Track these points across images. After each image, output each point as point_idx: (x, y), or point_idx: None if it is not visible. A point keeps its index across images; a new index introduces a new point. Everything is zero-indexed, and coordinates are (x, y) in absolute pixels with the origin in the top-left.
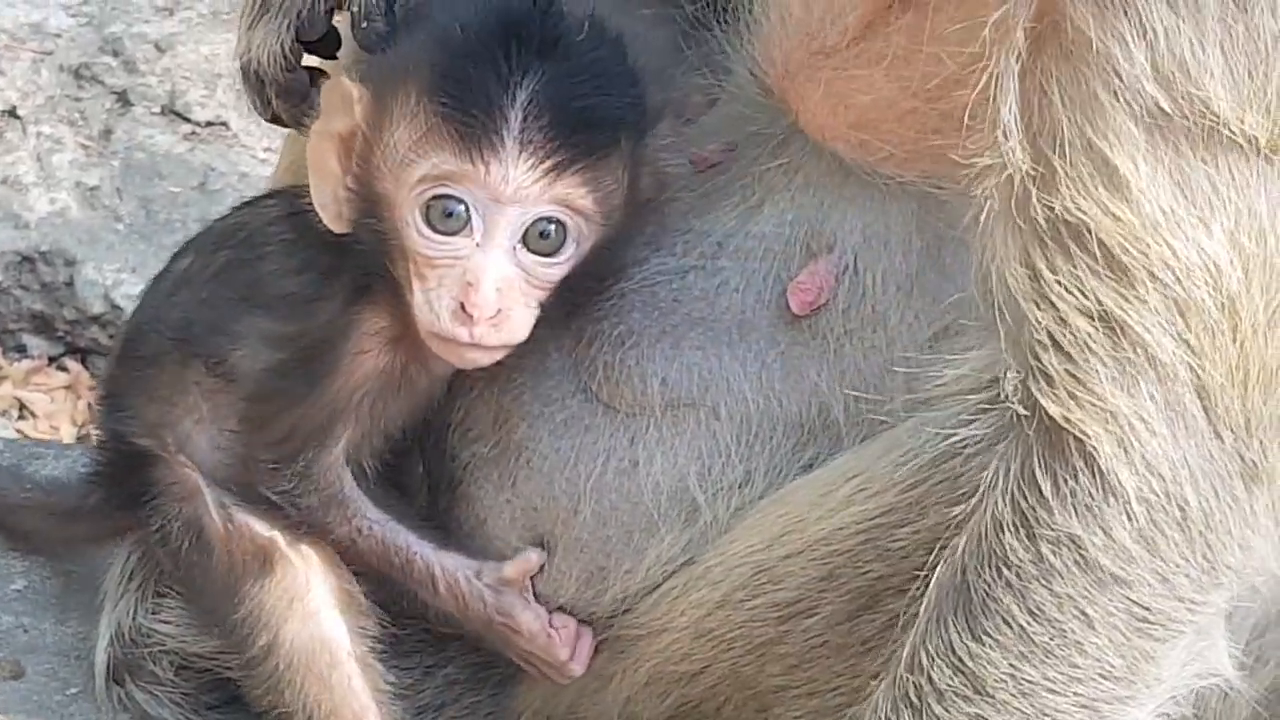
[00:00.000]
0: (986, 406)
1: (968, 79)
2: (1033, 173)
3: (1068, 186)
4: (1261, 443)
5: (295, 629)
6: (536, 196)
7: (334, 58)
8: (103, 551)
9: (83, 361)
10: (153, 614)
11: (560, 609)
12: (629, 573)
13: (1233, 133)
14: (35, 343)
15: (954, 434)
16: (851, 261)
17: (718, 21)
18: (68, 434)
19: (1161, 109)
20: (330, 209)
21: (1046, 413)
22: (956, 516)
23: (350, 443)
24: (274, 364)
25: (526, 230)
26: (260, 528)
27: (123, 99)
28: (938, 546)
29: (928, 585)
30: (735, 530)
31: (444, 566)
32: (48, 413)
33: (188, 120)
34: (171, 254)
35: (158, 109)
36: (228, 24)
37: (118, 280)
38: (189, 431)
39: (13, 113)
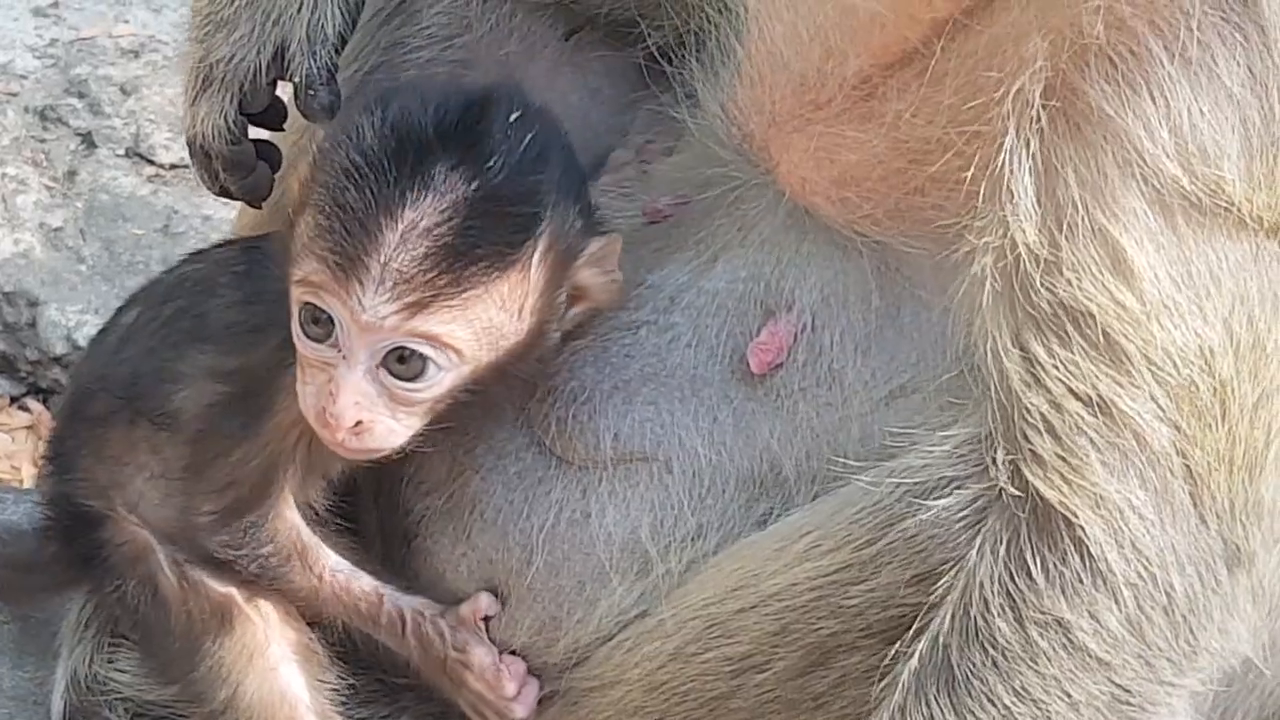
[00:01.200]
0: (968, 483)
1: (963, 146)
2: (1038, 255)
3: (1073, 271)
4: (1244, 526)
5: (255, 684)
6: (392, 328)
7: (280, 129)
8: (59, 599)
9: (44, 402)
10: (109, 662)
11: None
12: (580, 622)
13: (1241, 214)
14: None
15: (929, 505)
16: (809, 320)
17: (689, 59)
18: (29, 474)
19: (1180, 189)
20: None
21: (1038, 494)
22: (920, 582)
23: (295, 487)
24: (216, 400)
25: (385, 355)
26: (216, 584)
27: (88, 141)
28: (891, 605)
29: (893, 653)
30: (689, 583)
31: (411, 607)
32: (9, 453)
33: (152, 163)
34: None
35: (122, 151)
36: None
37: (80, 321)
38: (140, 490)
39: None
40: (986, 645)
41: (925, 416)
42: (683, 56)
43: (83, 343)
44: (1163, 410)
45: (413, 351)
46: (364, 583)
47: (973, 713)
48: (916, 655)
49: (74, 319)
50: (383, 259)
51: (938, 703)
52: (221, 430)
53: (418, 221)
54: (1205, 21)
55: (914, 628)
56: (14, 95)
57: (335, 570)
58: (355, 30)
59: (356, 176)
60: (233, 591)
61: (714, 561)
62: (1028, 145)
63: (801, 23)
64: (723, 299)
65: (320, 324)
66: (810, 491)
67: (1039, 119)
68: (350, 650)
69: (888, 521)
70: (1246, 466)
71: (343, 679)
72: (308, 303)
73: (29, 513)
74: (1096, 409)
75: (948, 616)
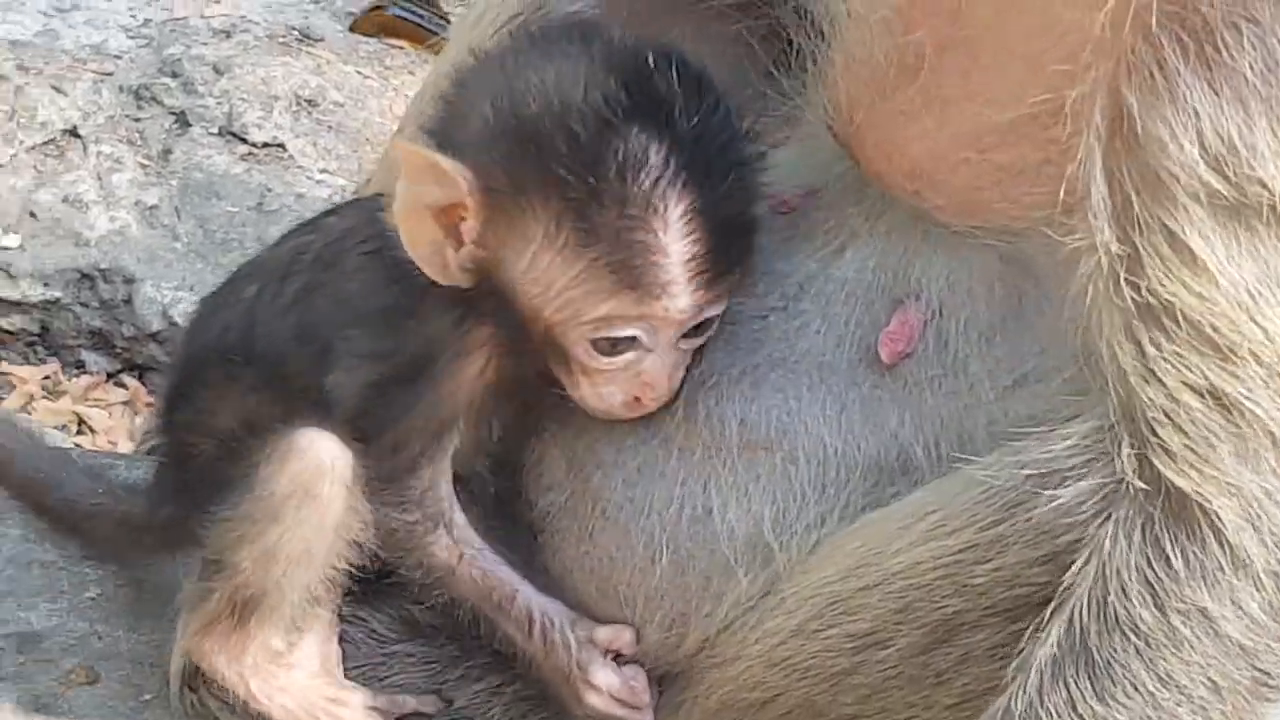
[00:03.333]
0: (1093, 472)
1: (1030, 135)
2: (1120, 253)
3: (1151, 267)
4: None
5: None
6: (704, 306)
7: None
8: (172, 559)
9: (140, 378)
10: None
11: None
12: (708, 617)
13: None
14: (94, 359)
15: (1055, 494)
16: (937, 309)
17: (800, 42)
18: (125, 449)
19: (1219, 192)
20: (434, 266)
21: (1171, 484)
22: (1046, 562)
23: (457, 457)
24: (374, 379)
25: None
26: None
27: (181, 120)
28: (1017, 584)
29: (1016, 630)
30: (811, 560)
31: (544, 610)
32: (106, 428)
33: (245, 141)
34: (227, 277)
35: (215, 130)
36: (284, 48)
37: (175, 298)
38: None
39: (74, 132)
40: (1128, 632)
41: (1049, 406)
42: (796, 39)
43: (178, 319)
44: (1276, 396)
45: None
46: (503, 572)
47: (1115, 698)
48: (1053, 640)
49: (169, 295)
50: (678, 265)
51: (1078, 686)
52: (384, 404)
53: (691, 216)
54: (1222, 19)
55: (1045, 611)
56: (109, 75)
57: (477, 552)
58: (485, 38)
59: (621, 197)
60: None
61: (836, 540)
62: (1096, 144)
63: (873, 6)
64: (851, 287)
65: (620, 344)
66: (934, 479)
67: (1097, 119)
68: (430, 640)
69: (1014, 502)
70: None
71: (448, 647)
72: (607, 336)
73: (142, 478)
74: (1212, 401)
75: (1084, 602)
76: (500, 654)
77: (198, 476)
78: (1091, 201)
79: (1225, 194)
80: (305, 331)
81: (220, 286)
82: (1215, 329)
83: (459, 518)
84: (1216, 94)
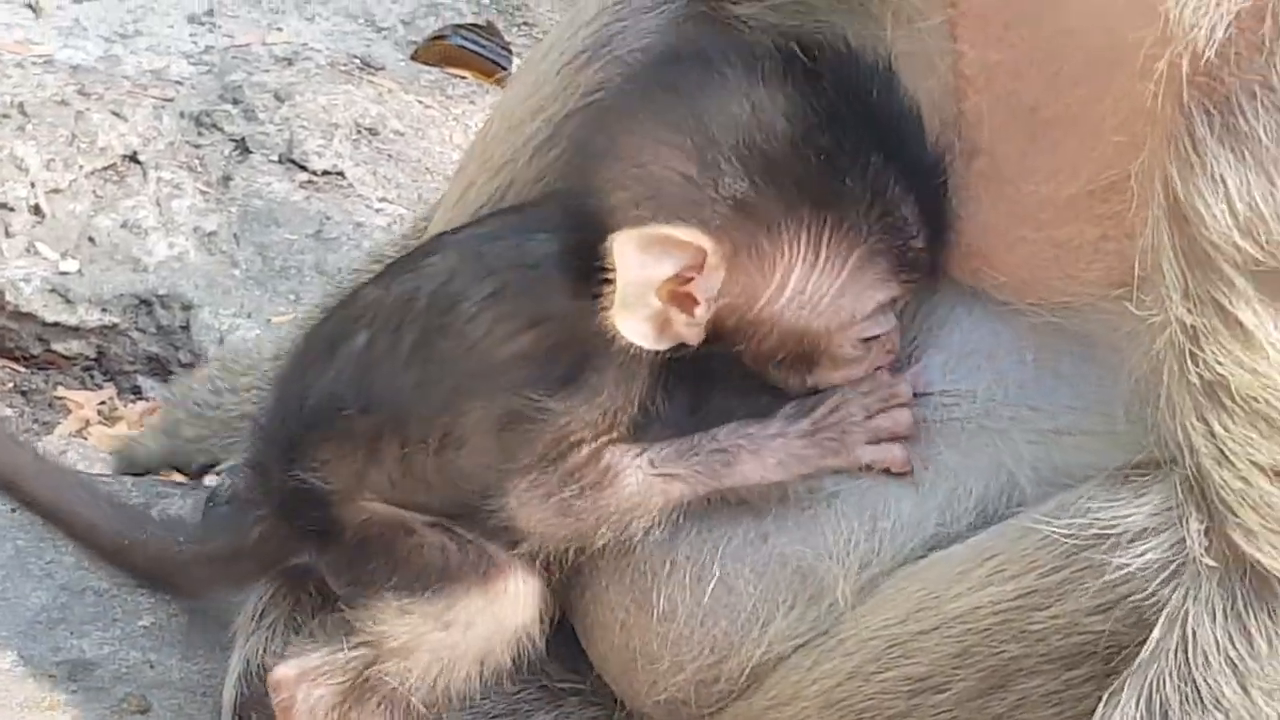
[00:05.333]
0: (1162, 537)
1: (1081, 209)
2: (1187, 329)
3: (1208, 342)
4: None
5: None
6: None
7: None
8: (233, 592)
9: None
10: (282, 653)
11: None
12: (754, 642)
13: None
14: (150, 385)
15: (1123, 556)
16: (980, 360)
17: None
18: (177, 474)
19: (1255, 258)
20: (650, 337)
21: (1256, 562)
22: (1104, 610)
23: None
24: (518, 396)
25: None
26: (487, 543)
27: (241, 146)
28: (1075, 632)
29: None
30: (869, 603)
31: (744, 434)
32: None
33: (304, 169)
34: (324, 318)
35: (275, 157)
36: (346, 75)
37: (233, 325)
38: (395, 478)
39: (134, 158)
40: (1210, 707)
41: (1094, 459)
42: None
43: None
44: None
45: None
46: (701, 442)
47: None
48: (1130, 709)
49: (227, 323)
50: (921, 226)
51: None
52: (532, 418)
53: (916, 180)
54: (1241, 86)
55: (1108, 668)
56: (170, 100)
57: (665, 456)
58: (552, 74)
59: (881, 190)
60: (497, 550)
61: (894, 582)
62: (1161, 216)
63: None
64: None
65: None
66: (984, 517)
67: (1159, 191)
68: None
69: (1074, 549)
70: None
71: (506, 691)
72: (880, 323)
73: (195, 506)
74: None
75: (1165, 675)
76: (549, 688)
77: (336, 536)
78: (1165, 277)
79: (1262, 260)
80: (428, 382)
81: (319, 330)
82: (1270, 404)
83: (638, 455)
84: (1241, 161)
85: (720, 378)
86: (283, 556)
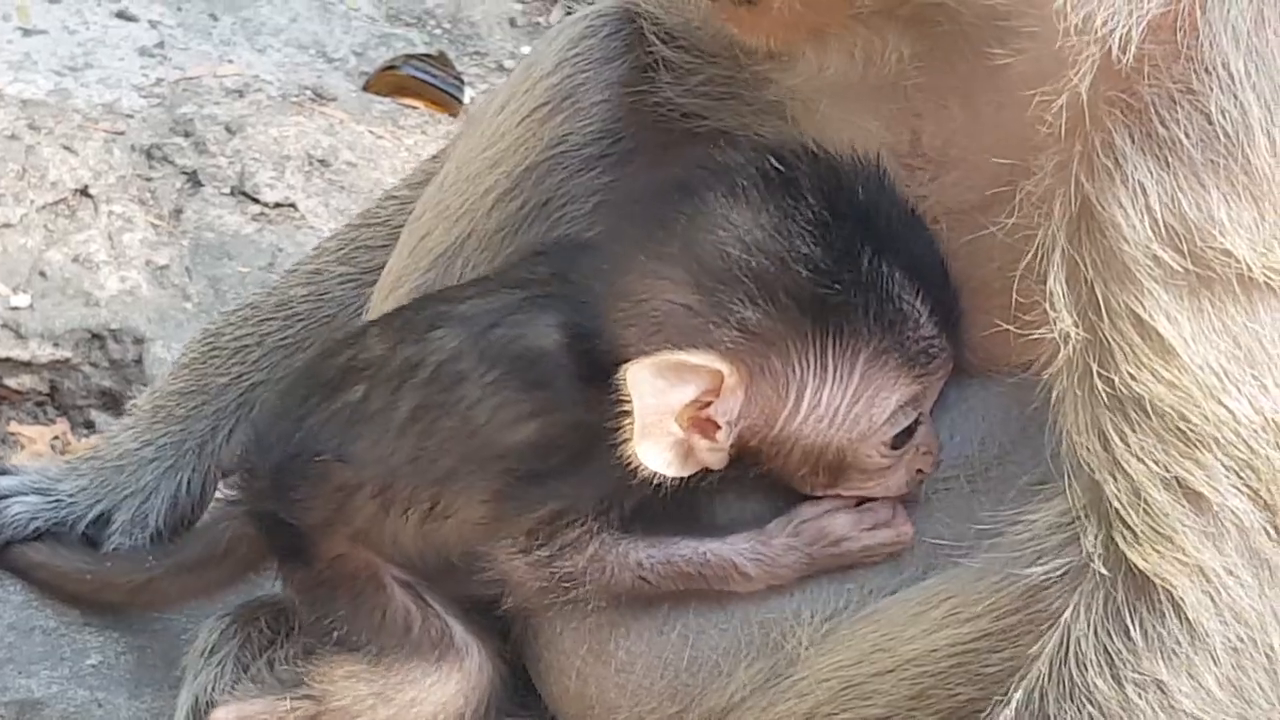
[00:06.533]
0: (1065, 545)
1: (1007, 283)
2: (1089, 346)
3: (1121, 357)
4: None
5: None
6: (956, 347)
7: None
8: (172, 615)
9: None
10: (232, 690)
11: None
12: (715, 692)
13: (1265, 273)
14: (103, 419)
15: (1033, 570)
16: (951, 424)
17: None
18: None
19: (1177, 268)
20: (674, 465)
21: (1133, 564)
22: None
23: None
24: (520, 476)
25: None
26: (446, 614)
27: (193, 179)
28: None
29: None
30: (825, 644)
31: (736, 551)
32: None
33: (256, 201)
34: (318, 357)
35: (227, 189)
36: (297, 107)
37: None
38: (380, 528)
39: (85, 191)
40: (1084, 701)
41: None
42: None
43: None
44: (1239, 483)
45: None
46: (683, 551)
47: None
48: (1013, 705)
49: (179, 356)
50: (935, 329)
51: None
52: (531, 494)
53: (924, 280)
54: (1159, 95)
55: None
56: (120, 134)
57: (651, 554)
58: (512, 126)
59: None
60: (457, 627)
61: (850, 624)
62: (1059, 234)
63: None
64: None
65: (911, 430)
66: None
67: (1060, 215)
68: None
69: (1028, 592)
70: None
71: None
72: (902, 425)
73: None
74: (1176, 489)
75: (1045, 671)
76: None
77: (307, 563)
78: (1053, 294)
79: (1182, 268)
80: (424, 455)
81: (328, 362)
82: (1183, 417)
83: (622, 541)
84: (1164, 169)
85: (721, 479)
86: (254, 563)
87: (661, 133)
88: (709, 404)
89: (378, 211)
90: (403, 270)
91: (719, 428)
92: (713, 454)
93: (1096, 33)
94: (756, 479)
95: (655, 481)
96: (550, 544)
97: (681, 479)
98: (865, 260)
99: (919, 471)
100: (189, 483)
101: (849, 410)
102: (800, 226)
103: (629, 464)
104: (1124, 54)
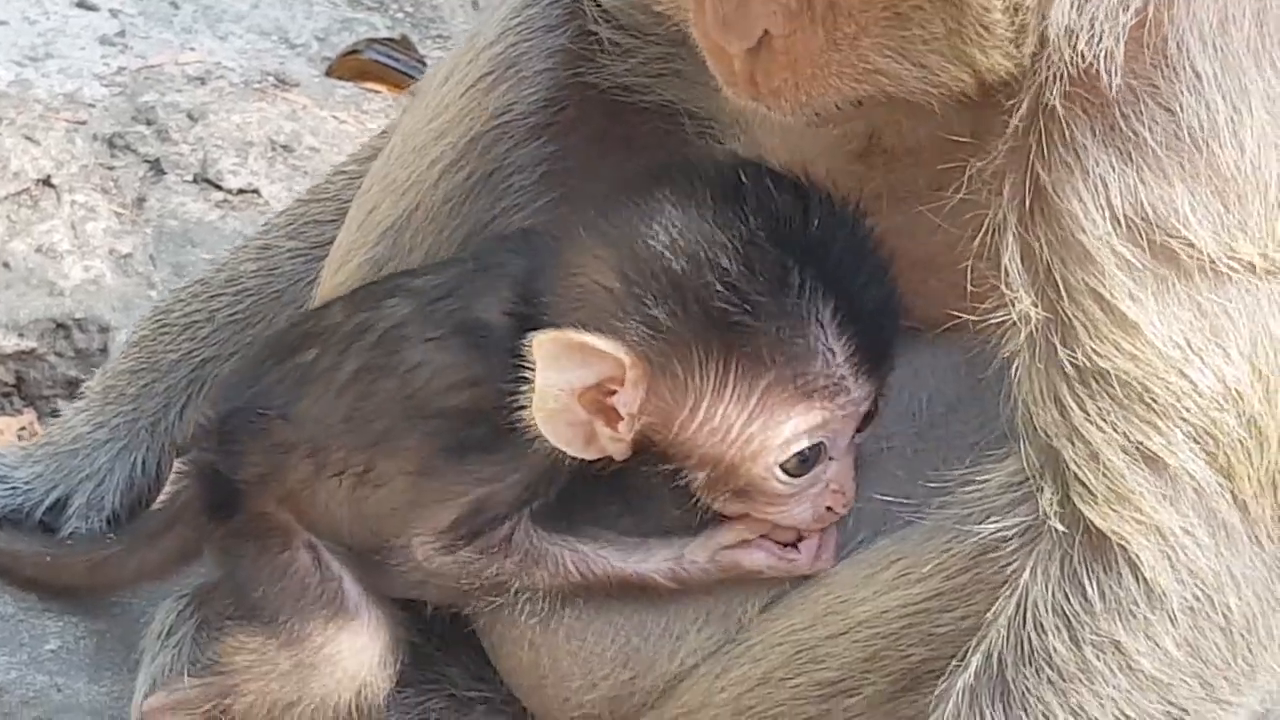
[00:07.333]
0: (1017, 504)
1: (955, 251)
2: (1049, 323)
3: (1084, 333)
4: None
5: (329, 684)
6: (875, 394)
7: None
8: (130, 599)
9: None
10: (188, 671)
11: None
12: (668, 656)
13: (1229, 264)
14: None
15: (983, 528)
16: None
17: None
18: None
19: (1137, 261)
20: (577, 445)
21: (1091, 524)
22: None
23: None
24: (446, 447)
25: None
26: (351, 583)
27: (155, 167)
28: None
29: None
30: (777, 608)
31: (656, 570)
32: None
33: (219, 188)
34: (287, 326)
35: (190, 177)
36: (260, 92)
37: None
38: (313, 495)
39: (47, 181)
40: (1042, 664)
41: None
42: None
43: None
44: (1198, 449)
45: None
46: (600, 567)
47: None
48: (971, 669)
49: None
50: (846, 360)
51: (992, 717)
52: (455, 474)
53: (843, 309)
54: (1120, 91)
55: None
56: (82, 123)
57: (574, 560)
58: (456, 97)
59: (773, 315)
60: (353, 591)
61: (801, 588)
62: (1013, 219)
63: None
64: None
65: (808, 460)
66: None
67: (1015, 197)
68: (419, 665)
69: (979, 550)
70: None
71: (412, 699)
72: (797, 452)
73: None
74: (1135, 454)
75: (1002, 633)
76: (456, 696)
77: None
78: (1009, 275)
79: (1142, 263)
80: (361, 416)
81: (291, 330)
82: (1145, 388)
83: (551, 542)
84: (1126, 164)
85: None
86: (203, 530)
87: (607, 102)
88: (614, 392)
89: (326, 187)
90: (351, 244)
91: (621, 419)
92: (614, 443)
93: (1076, 47)
94: (678, 487)
95: (571, 469)
96: (475, 542)
97: (600, 472)
98: (789, 291)
99: (829, 509)
100: (144, 462)
101: (743, 430)
102: (731, 242)
103: (549, 451)
104: (1092, 55)
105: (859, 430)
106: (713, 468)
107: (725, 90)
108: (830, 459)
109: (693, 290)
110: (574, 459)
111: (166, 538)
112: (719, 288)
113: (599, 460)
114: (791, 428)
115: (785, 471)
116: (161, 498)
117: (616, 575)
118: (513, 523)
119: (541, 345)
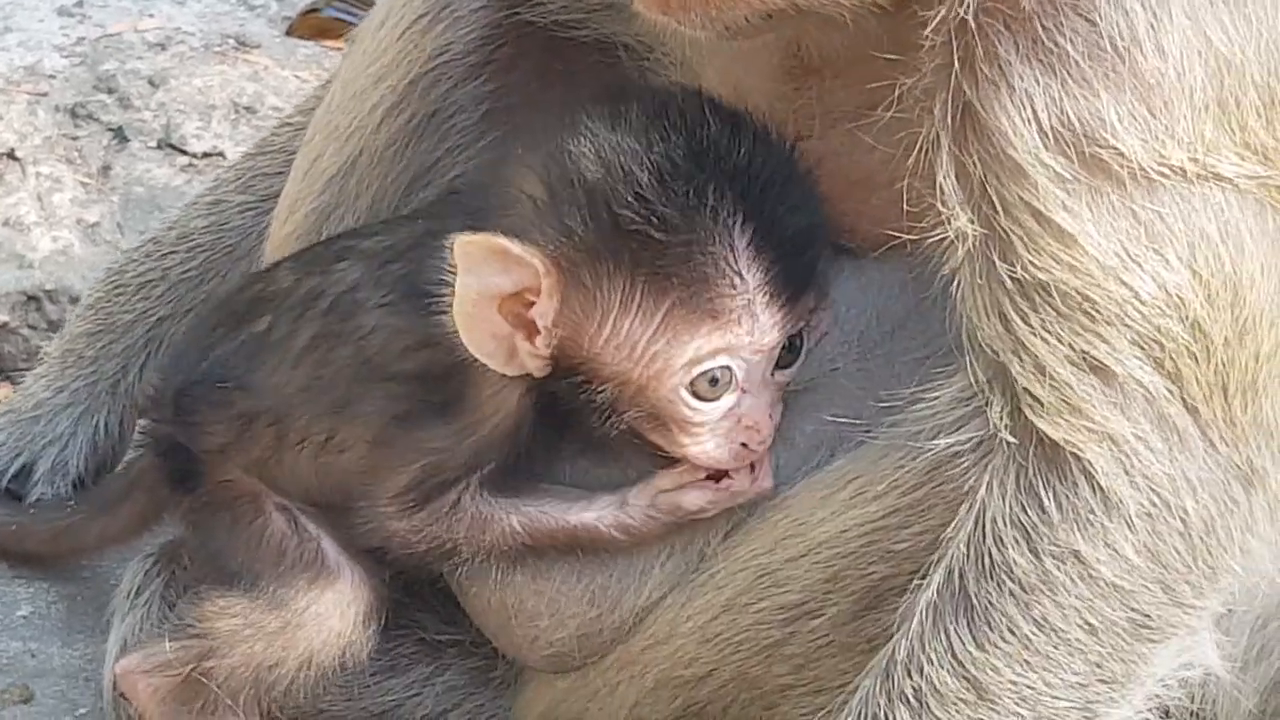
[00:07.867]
0: (969, 419)
1: (893, 170)
2: (987, 239)
3: (1022, 247)
4: (1254, 445)
5: (314, 640)
6: (789, 326)
7: None
8: (100, 562)
9: None
10: (158, 629)
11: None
12: (633, 592)
13: (1160, 171)
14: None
15: (936, 443)
16: (845, 299)
17: None
18: None
19: (1067, 173)
20: (499, 359)
21: (1044, 434)
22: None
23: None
24: (399, 414)
25: (779, 355)
26: (329, 545)
27: (119, 135)
28: (940, 547)
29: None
30: (737, 535)
31: (600, 520)
32: None
33: (184, 153)
34: (235, 290)
35: (154, 143)
36: (220, 56)
37: None
38: (278, 461)
39: (11, 155)
40: (1003, 577)
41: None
42: None
43: None
44: (1144, 355)
45: (799, 333)
46: (546, 522)
47: (992, 643)
48: (933, 587)
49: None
50: (757, 285)
51: (957, 633)
52: (412, 439)
53: (758, 235)
54: (1046, 10)
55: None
56: (44, 95)
57: (518, 522)
58: (393, 40)
59: (685, 234)
60: (331, 550)
61: (761, 512)
62: (946, 139)
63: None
64: None
65: (718, 383)
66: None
67: (948, 116)
68: (392, 611)
69: (933, 465)
70: (1241, 392)
71: (382, 645)
72: (702, 373)
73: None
74: (1082, 364)
75: (962, 549)
76: (427, 641)
77: (196, 488)
78: (942, 188)
79: (1074, 175)
80: (319, 384)
81: (238, 295)
82: (1086, 298)
83: (498, 506)
84: (1050, 77)
85: (597, 440)
86: (162, 496)
87: (545, 38)
88: (533, 304)
89: (273, 140)
90: (298, 194)
91: (539, 331)
92: (533, 359)
93: None
94: (616, 440)
95: (522, 435)
96: (427, 506)
97: (543, 437)
98: (701, 209)
99: (744, 446)
100: (106, 424)
101: (648, 347)
102: (650, 159)
103: (505, 418)
104: None
105: (782, 367)
106: (622, 386)
107: (637, 7)
108: (744, 391)
109: (603, 198)
110: (521, 424)
111: (125, 505)
112: (629, 198)
113: (540, 399)
114: (695, 348)
115: (694, 395)
116: (120, 466)
117: (564, 530)
118: (460, 488)
119: (461, 247)
